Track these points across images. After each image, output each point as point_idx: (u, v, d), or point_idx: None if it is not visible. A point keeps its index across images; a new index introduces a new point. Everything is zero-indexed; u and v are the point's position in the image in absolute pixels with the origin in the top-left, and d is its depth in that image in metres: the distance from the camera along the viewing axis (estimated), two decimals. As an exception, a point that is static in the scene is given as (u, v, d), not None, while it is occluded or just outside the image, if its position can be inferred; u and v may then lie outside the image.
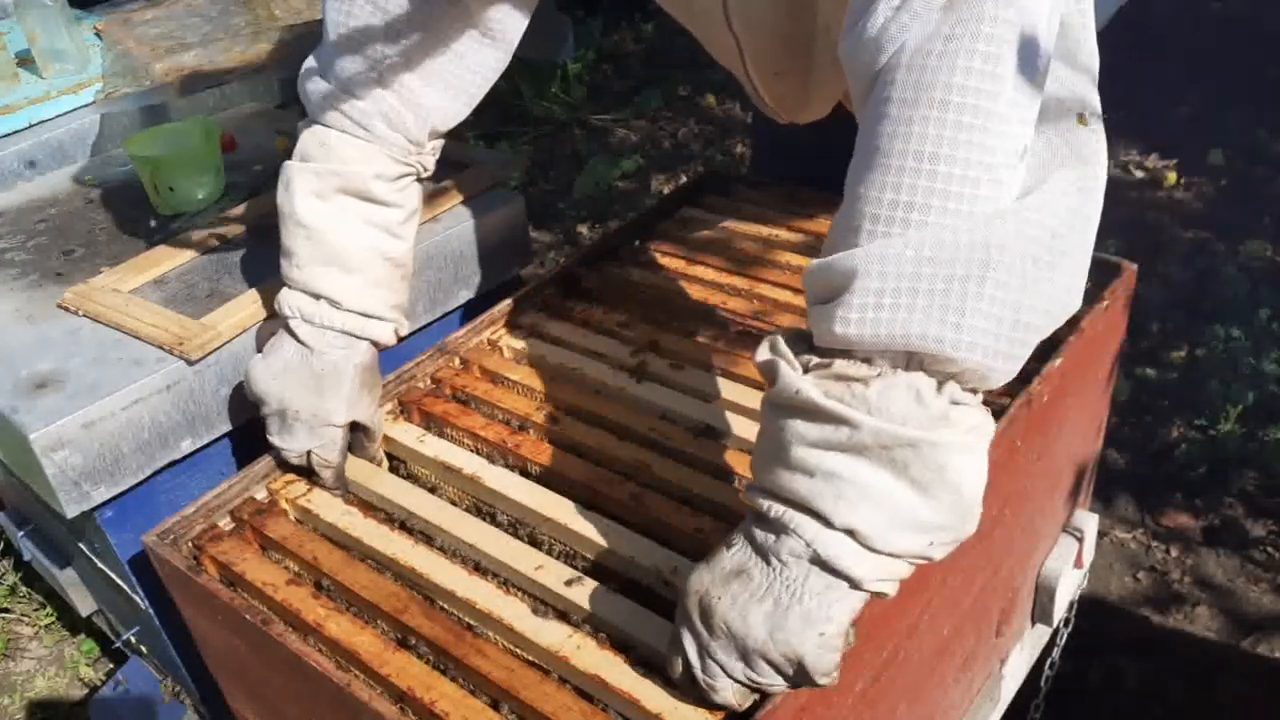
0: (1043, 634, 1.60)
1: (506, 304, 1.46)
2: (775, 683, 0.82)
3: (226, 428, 1.36)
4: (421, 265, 1.53)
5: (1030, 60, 0.76)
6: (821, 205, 1.64)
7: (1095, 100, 0.84)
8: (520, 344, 1.39)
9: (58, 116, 2.02)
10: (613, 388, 1.29)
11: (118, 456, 1.26)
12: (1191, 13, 4.05)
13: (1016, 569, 1.38)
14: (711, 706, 0.87)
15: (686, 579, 0.85)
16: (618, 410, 1.25)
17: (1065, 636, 1.65)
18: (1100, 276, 1.38)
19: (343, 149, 1.19)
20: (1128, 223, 3.14)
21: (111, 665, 2.17)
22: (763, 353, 0.84)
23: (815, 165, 1.66)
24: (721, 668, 0.82)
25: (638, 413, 1.24)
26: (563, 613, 1.00)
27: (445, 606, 1.03)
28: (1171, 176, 3.36)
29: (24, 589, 2.37)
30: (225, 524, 1.17)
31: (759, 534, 0.82)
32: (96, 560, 1.48)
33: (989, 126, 0.74)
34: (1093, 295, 1.36)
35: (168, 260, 1.50)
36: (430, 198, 1.60)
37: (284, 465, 1.20)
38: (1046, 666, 1.66)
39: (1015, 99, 0.75)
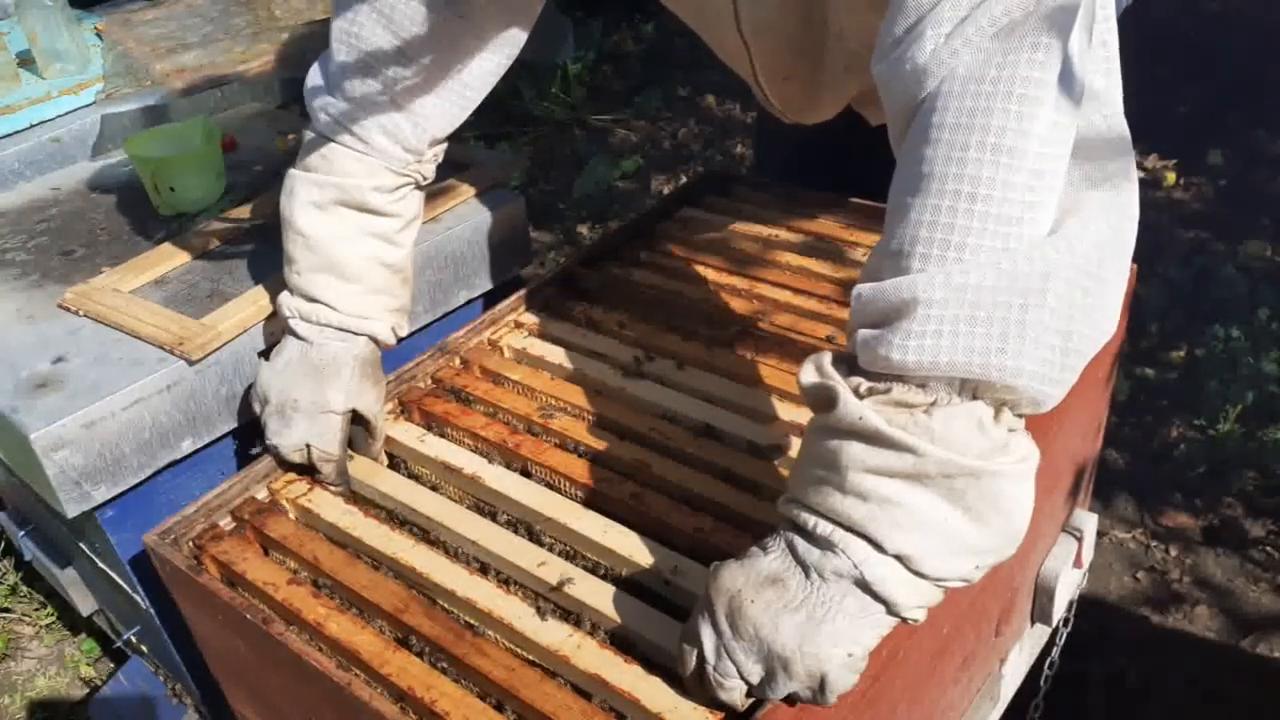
0: (1042, 633, 1.60)
1: (507, 304, 1.46)
2: (786, 690, 0.82)
3: (227, 428, 1.36)
4: (422, 265, 1.53)
5: (1071, 84, 0.76)
6: (821, 205, 1.65)
7: (1122, 120, 0.84)
8: (521, 344, 1.39)
9: (58, 117, 2.02)
10: (613, 388, 1.29)
11: (118, 456, 1.26)
12: (1191, 13, 4.05)
13: (1016, 568, 1.38)
14: (712, 706, 0.88)
15: (716, 575, 0.85)
16: (618, 410, 1.25)
17: (1065, 636, 1.65)
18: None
19: (342, 162, 1.20)
20: (1127, 223, 3.14)
21: (112, 665, 2.17)
22: (809, 375, 0.84)
23: (818, 167, 1.67)
24: (738, 669, 0.82)
25: (638, 413, 1.25)
26: (563, 612, 1.00)
27: (445, 606, 1.04)
28: (1171, 176, 3.36)
29: (25, 589, 2.38)
30: (226, 524, 1.17)
31: (801, 546, 0.82)
32: (97, 560, 1.48)
33: (1037, 151, 0.75)
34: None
35: (168, 260, 1.50)
36: (430, 198, 1.60)
37: (285, 466, 1.21)
38: (1046, 666, 1.66)
39: (1058, 121, 0.76)
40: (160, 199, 1.62)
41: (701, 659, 0.85)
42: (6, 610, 2.33)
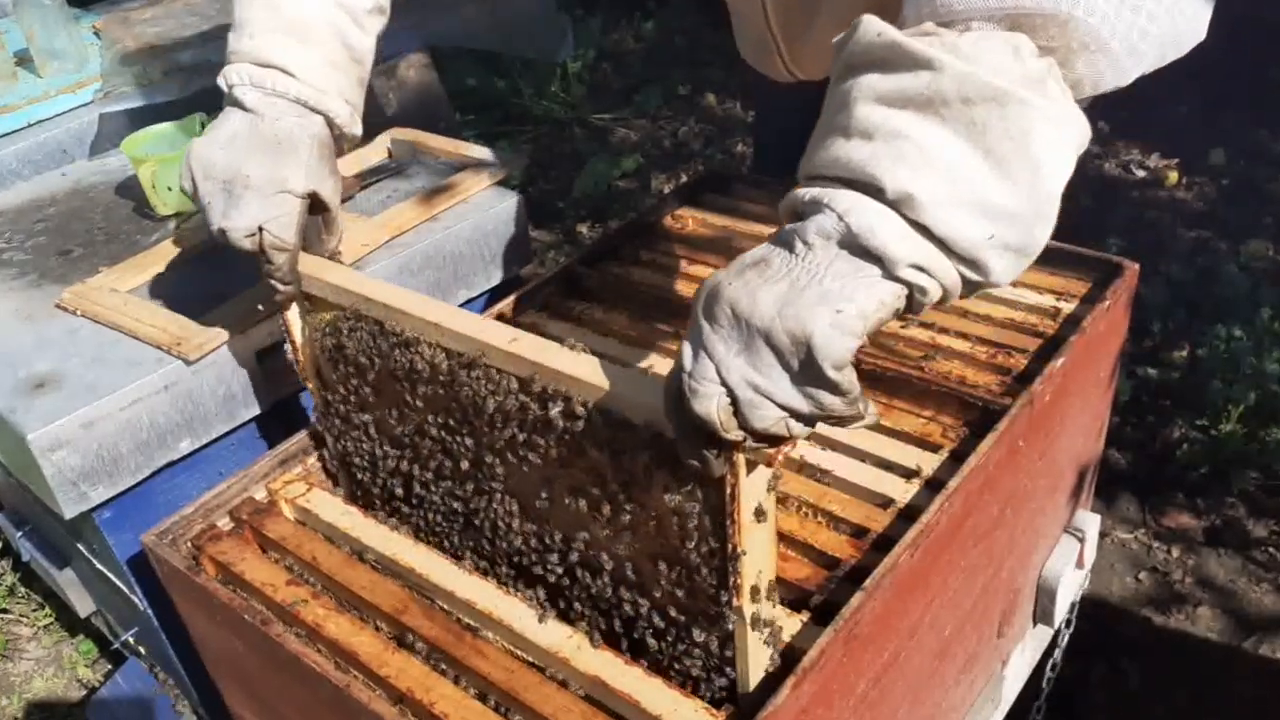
0: (1044, 635, 1.60)
1: (507, 303, 1.46)
2: (775, 387, 0.70)
3: (225, 428, 1.36)
4: (421, 265, 1.52)
5: None
6: (822, 204, 1.64)
7: None
8: (520, 344, 1.39)
9: (56, 116, 2.02)
10: (613, 387, 1.28)
11: (116, 457, 1.25)
12: (1192, 12, 4.04)
13: (1018, 569, 1.37)
14: (707, 701, 0.87)
15: (702, 282, 0.75)
16: (618, 410, 1.24)
17: (1067, 637, 1.65)
18: (1102, 276, 1.38)
19: None
20: (1129, 222, 3.14)
21: (110, 666, 2.17)
22: (841, 35, 0.74)
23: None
24: (717, 367, 0.70)
25: (638, 413, 1.24)
26: (563, 612, 1.00)
27: (445, 607, 1.03)
28: (1173, 176, 3.36)
29: (23, 589, 2.37)
30: (224, 524, 1.17)
31: (788, 226, 0.73)
32: (95, 561, 1.48)
33: None
34: (1094, 295, 1.36)
35: (166, 260, 1.49)
36: (430, 197, 1.60)
37: (240, 257, 1.08)
38: (1048, 667, 1.65)
39: None
40: (158, 199, 1.62)
41: (679, 370, 0.73)
42: (4, 611, 2.33)
